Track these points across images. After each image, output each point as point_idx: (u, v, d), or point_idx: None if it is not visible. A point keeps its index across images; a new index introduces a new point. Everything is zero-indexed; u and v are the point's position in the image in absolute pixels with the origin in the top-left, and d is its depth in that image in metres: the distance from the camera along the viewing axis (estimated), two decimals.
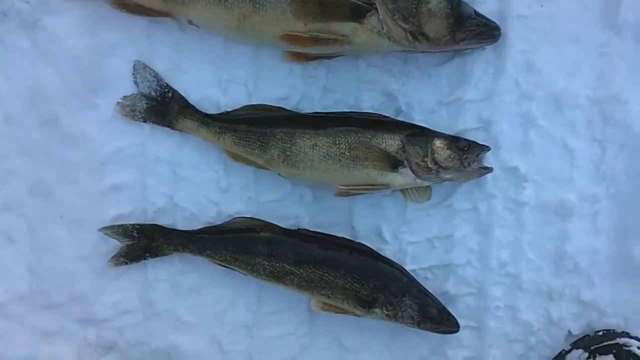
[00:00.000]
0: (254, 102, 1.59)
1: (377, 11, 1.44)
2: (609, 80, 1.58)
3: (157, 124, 1.57)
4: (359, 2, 1.43)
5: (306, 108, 1.60)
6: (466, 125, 1.59)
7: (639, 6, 1.56)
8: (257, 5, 1.44)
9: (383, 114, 1.59)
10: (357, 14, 1.44)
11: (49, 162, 1.56)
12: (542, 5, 1.58)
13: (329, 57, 1.55)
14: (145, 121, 1.57)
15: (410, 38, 1.46)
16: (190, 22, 1.52)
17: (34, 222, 1.57)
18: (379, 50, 1.53)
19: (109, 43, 1.56)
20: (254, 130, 1.53)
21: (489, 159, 1.57)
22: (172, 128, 1.57)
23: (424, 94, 1.60)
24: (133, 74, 1.57)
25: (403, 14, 1.44)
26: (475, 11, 1.50)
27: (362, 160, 1.49)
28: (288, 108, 1.58)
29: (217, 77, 1.59)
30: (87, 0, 1.55)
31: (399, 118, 1.59)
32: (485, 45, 1.55)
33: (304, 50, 1.51)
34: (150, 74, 1.56)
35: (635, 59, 1.58)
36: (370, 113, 1.57)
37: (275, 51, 1.56)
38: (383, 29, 1.45)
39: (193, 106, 1.56)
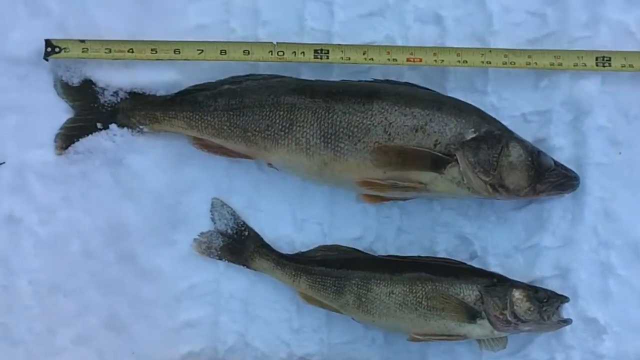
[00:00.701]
0: (328, 242, 1.59)
1: (458, 163, 1.43)
2: None
3: (232, 262, 1.57)
4: (440, 154, 1.42)
5: (380, 249, 1.59)
6: (543, 272, 1.57)
7: None
8: (338, 154, 1.45)
9: (457, 257, 1.57)
10: (438, 165, 1.44)
11: (124, 297, 1.57)
12: (619, 153, 1.58)
13: (404, 198, 1.54)
14: (220, 259, 1.57)
15: (490, 190, 1.45)
16: (270, 165, 1.53)
17: (106, 356, 1.57)
18: (456, 197, 1.53)
19: (188, 181, 1.59)
20: (329, 273, 1.52)
21: (567, 309, 1.52)
22: (247, 267, 1.57)
23: (499, 238, 1.59)
24: (211, 211, 1.59)
25: (484, 166, 1.43)
26: (554, 161, 1.49)
27: (439, 311, 1.46)
28: (362, 248, 1.58)
29: (293, 216, 1.60)
30: (170, 140, 1.57)
31: (474, 262, 1.57)
32: (564, 194, 1.52)
33: (381, 194, 1.50)
34: (227, 212, 1.57)
35: None
36: (445, 259, 1.55)
37: (351, 192, 1.55)
38: (463, 180, 1.44)
39: (269, 245, 1.57)
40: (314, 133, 1.46)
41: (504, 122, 1.51)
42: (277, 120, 1.47)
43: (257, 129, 1.48)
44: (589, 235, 1.56)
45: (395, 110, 1.44)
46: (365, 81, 1.54)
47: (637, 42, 1.58)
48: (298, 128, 1.46)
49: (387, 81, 1.54)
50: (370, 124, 1.44)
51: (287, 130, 1.46)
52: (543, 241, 1.56)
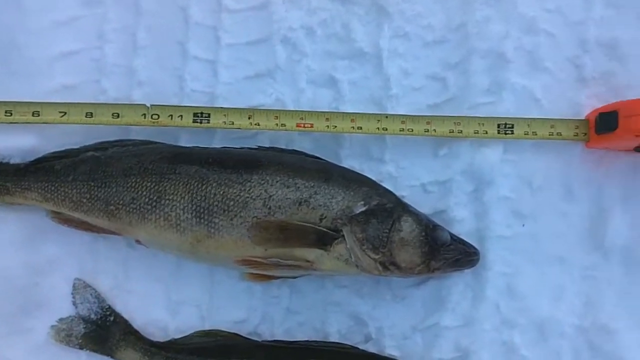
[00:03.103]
0: (207, 326, 1.43)
1: (345, 239, 1.29)
2: (596, 308, 1.45)
3: (95, 351, 1.39)
4: (325, 230, 1.29)
5: (266, 332, 1.45)
6: (442, 354, 1.44)
7: (625, 228, 1.46)
8: (212, 230, 1.30)
9: (351, 340, 1.44)
10: (323, 241, 1.31)
11: None
12: (523, 225, 1.48)
13: (293, 276, 1.41)
14: (81, 348, 1.39)
15: (380, 268, 1.33)
16: (138, 241, 1.37)
17: None
18: (346, 275, 1.41)
19: (47, 259, 1.42)
20: None
21: None
22: (112, 357, 1.39)
23: (396, 318, 1.46)
24: (72, 293, 1.42)
25: (373, 243, 1.31)
26: (451, 236, 1.38)
27: None
28: (246, 332, 1.43)
29: (167, 298, 1.44)
30: (26, 213, 1.39)
31: (369, 345, 1.44)
32: (462, 270, 1.42)
33: (265, 273, 1.36)
34: (91, 295, 1.41)
35: (624, 284, 1.45)
36: (337, 343, 1.42)
37: (232, 269, 1.41)
38: (351, 257, 1.31)
39: (137, 332, 1.40)
40: (185, 207, 1.31)
41: (403, 193, 1.44)
42: (144, 192, 1.32)
43: (121, 202, 1.32)
44: (491, 314, 1.44)
45: (277, 181, 1.31)
46: (248, 148, 1.40)
47: (541, 109, 1.49)
48: (167, 201, 1.31)
49: (272, 149, 1.41)
50: (248, 197, 1.30)
51: (154, 204, 1.31)
52: (443, 320, 1.44)
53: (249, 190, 1.31)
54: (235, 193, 1.31)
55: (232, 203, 1.30)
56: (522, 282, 1.46)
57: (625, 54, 1.49)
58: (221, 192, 1.31)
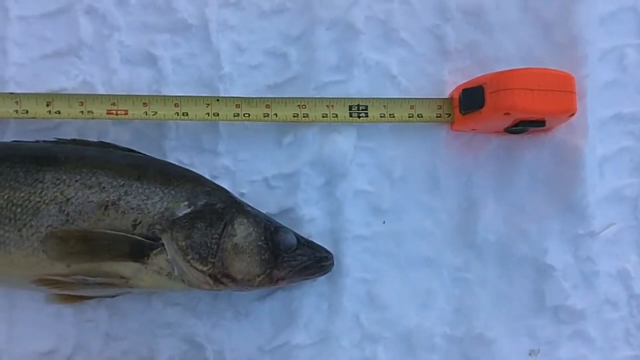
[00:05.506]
0: None
1: (165, 249, 1.20)
2: (470, 314, 1.42)
3: None
4: (140, 238, 1.20)
5: None
6: None
7: (499, 223, 1.43)
8: None
9: None
10: (138, 253, 1.20)
11: None
12: (383, 222, 1.43)
13: (112, 295, 1.31)
14: None
15: (211, 282, 1.24)
16: None
17: None
18: (174, 291, 1.32)
19: None
20: None
21: None
22: None
23: (239, 339, 1.38)
24: None
25: (199, 252, 1.22)
26: (298, 239, 1.31)
27: None
28: None
29: None
30: None
31: None
32: (314, 278, 1.35)
33: (71, 293, 1.25)
34: None
35: (499, 286, 1.43)
36: None
37: (35, 290, 1.28)
38: (174, 270, 1.22)
39: None
40: None
41: (242, 190, 1.39)
42: None
43: None
44: (350, 328, 1.39)
45: (76, 181, 1.21)
46: (44, 142, 1.29)
47: (399, 87, 1.45)
48: None
49: (74, 141, 1.30)
50: (40, 202, 1.19)
51: None
52: (294, 338, 1.37)
53: (41, 192, 1.20)
54: (23, 197, 1.19)
55: (19, 210, 1.19)
56: (384, 288, 1.41)
57: (490, 22, 1.47)
58: (5, 197, 1.19)
